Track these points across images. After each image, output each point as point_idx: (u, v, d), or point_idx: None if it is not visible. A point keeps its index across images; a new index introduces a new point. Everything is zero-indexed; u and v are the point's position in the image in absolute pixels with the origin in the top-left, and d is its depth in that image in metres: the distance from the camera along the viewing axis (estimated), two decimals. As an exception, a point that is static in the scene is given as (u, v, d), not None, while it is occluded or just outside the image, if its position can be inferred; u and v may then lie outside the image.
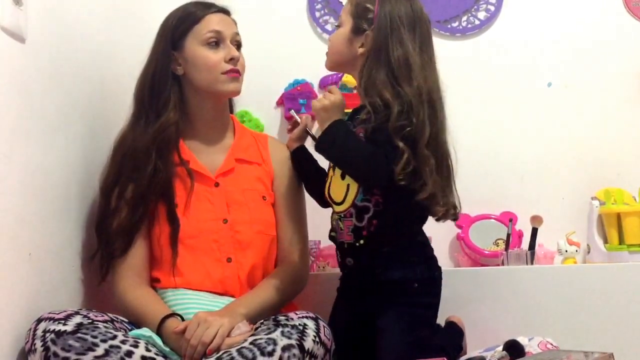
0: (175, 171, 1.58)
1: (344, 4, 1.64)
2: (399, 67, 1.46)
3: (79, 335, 1.27)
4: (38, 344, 1.26)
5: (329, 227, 1.63)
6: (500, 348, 1.55)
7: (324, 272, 2.01)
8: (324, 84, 2.28)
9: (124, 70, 1.78)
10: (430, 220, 1.56)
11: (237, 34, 1.64)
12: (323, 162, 1.64)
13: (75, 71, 1.61)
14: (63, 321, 1.29)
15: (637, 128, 2.26)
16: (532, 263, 1.97)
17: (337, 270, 1.65)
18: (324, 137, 1.50)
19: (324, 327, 1.38)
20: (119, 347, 1.28)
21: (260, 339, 1.28)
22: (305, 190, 1.73)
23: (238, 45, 1.63)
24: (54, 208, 1.48)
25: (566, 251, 2.06)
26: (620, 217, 2.13)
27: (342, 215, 1.55)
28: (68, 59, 1.58)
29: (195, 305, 1.48)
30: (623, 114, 2.27)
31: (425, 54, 1.50)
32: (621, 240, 2.13)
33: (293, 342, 1.28)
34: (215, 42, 1.58)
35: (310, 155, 1.70)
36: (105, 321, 1.35)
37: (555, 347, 1.60)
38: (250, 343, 1.28)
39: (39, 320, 1.30)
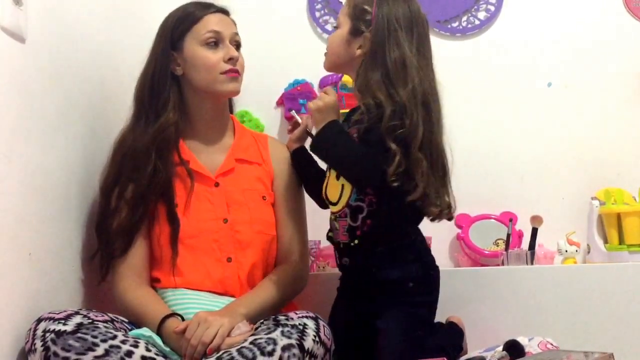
0: (175, 171, 1.58)
1: (343, 4, 1.64)
2: (395, 69, 1.46)
3: (79, 335, 1.27)
4: (38, 343, 1.26)
5: (329, 227, 1.63)
6: (500, 348, 1.55)
7: (324, 272, 2.01)
8: (324, 84, 2.28)
9: (124, 70, 1.78)
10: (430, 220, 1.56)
11: (236, 34, 1.64)
12: (323, 163, 1.64)
13: (75, 71, 1.61)
14: (63, 321, 1.29)
15: (637, 128, 2.26)
16: (532, 263, 1.97)
17: (337, 270, 1.66)
18: (317, 138, 1.52)
19: (323, 326, 1.38)
20: (119, 347, 1.28)
21: (260, 338, 1.28)
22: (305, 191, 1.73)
23: (237, 46, 1.63)
24: (54, 208, 1.48)
25: (566, 251, 2.06)
26: (620, 217, 2.13)
27: (338, 216, 1.56)
28: (68, 59, 1.58)
29: (195, 305, 1.48)
30: (623, 114, 2.27)
31: (422, 56, 1.51)
32: (621, 240, 2.13)
33: (293, 341, 1.28)
34: (215, 42, 1.59)
35: (310, 156, 1.70)
36: (105, 321, 1.35)
37: (555, 347, 1.60)
38: (251, 343, 1.28)
39: (39, 320, 1.30)
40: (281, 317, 1.37)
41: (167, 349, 1.38)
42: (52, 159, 1.48)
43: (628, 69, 2.26)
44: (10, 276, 1.29)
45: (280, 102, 2.31)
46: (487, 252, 2.15)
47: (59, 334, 1.26)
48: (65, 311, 1.33)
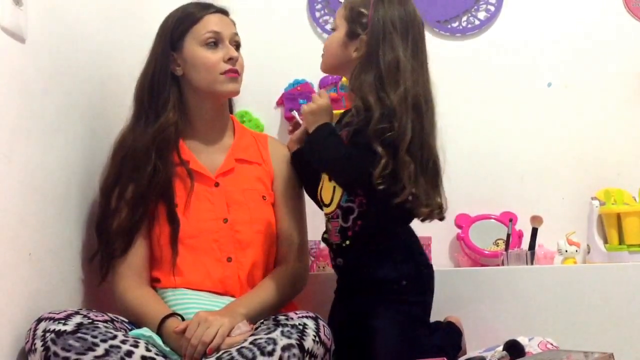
0: (175, 171, 1.58)
1: (340, 6, 1.64)
2: (388, 72, 1.47)
3: (79, 335, 1.27)
4: (38, 343, 1.26)
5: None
6: (501, 348, 1.55)
7: (324, 272, 2.01)
8: (324, 84, 2.28)
9: (124, 70, 1.78)
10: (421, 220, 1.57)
11: (236, 34, 1.64)
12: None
13: (75, 71, 1.61)
14: (63, 321, 1.29)
15: (637, 128, 2.26)
16: (532, 263, 1.97)
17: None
18: (309, 141, 1.55)
19: (323, 326, 1.38)
20: (119, 347, 1.28)
21: (260, 338, 1.28)
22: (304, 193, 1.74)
23: (237, 46, 1.64)
24: (54, 208, 1.48)
25: (566, 251, 2.06)
26: (620, 217, 2.14)
27: (331, 217, 1.59)
28: (68, 59, 1.58)
29: (196, 305, 1.49)
30: (623, 114, 2.27)
31: (416, 58, 1.52)
32: (621, 241, 2.13)
33: (293, 341, 1.28)
34: (214, 42, 1.59)
35: (311, 157, 1.71)
36: (105, 321, 1.35)
37: (555, 347, 1.60)
38: (250, 343, 1.28)
39: (39, 320, 1.30)
40: (281, 317, 1.37)
41: (167, 348, 1.38)
42: (52, 159, 1.48)
43: (628, 69, 2.27)
44: (10, 276, 1.29)
45: (280, 102, 2.31)
46: (487, 252, 2.15)
47: (59, 334, 1.26)
48: (65, 311, 1.33)
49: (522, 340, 1.57)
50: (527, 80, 2.29)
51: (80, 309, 1.39)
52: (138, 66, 1.63)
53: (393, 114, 1.44)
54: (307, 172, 1.70)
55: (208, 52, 1.58)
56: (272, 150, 1.71)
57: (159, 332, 1.41)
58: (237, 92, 1.63)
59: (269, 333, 1.29)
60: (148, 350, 1.32)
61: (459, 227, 2.20)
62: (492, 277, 1.89)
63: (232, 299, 1.52)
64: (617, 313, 1.82)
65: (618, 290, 1.83)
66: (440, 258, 2.20)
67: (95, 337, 1.27)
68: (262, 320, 1.42)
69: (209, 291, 1.53)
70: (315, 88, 2.28)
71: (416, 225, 1.58)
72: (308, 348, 1.29)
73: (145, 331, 1.40)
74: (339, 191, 1.55)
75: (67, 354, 1.25)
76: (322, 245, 2.03)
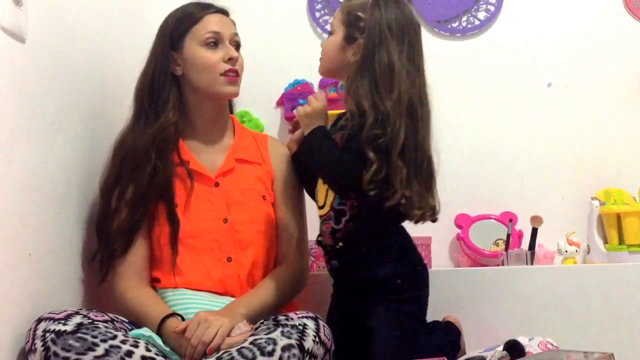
0: (175, 171, 1.58)
1: (337, 10, 1.64)
2: (383, 76, 1.48)
3: (79, 335, 1.27)
4: (38, 343, 1.26)
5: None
6: (501, 348, 1.55)
7: (324, 272, 1.99)
8: (324, 84, 2.28)
9: (124, 70, 1.78)
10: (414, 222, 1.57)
11: (236, 34, 1.64)
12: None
13: (75, 71, 1.61)
14: (63, 321, 1.29)
15: (637, 128, 2.26)
16: (532, 263, 1.97)
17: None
18: (303, 144, 1.56)
19: (323, 326, 1.38)
20: (119, 347, 1.28)
21: (260, 338, 1.28)
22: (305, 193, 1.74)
23: (237, 46, 1.63)
24: (54, 208, 1.48)
25: (566, 251, 2.06)
26: (620, 217, 2.14)
27: (325, 219, 1.60)
28: (68, 59, 1.58)
29: (196, 305, 1.49)
30: (623, 114, 2.27)
31: (412, 62, 1.52)
32: (621, 241, 2.13)
33: (293, 342, 1.28)
34: (214, 42, 1.59)
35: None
36: (105, 321, 1.35)
37: (555, 347, 1.60)
38: (250, 343, 1.28)
39: (39, 320, 1.30)
40: (281, 317, 1.37)
41: (167, 348, 1.38)
42: (52, 159, 1.48)
43: (628, 69, 2.27)
44: (10, 276, 1.29)
45: (280, 102, 2.31)
46: (487, 252, 2.15)
47: (59, 334, 1.26)
48: (65, 311, 1.33)
49: (522, 340, 1.58)
50: (527, 80, 2.29)
51: (80, 309, 1.38)
52: (138, 66, 1.63)
53: (387, 120, 1.45)
54: (307, 172, 1.70)
55: (208, 52, 1.58)
56: (272, 150, 1.71)
57: (159, 332, 1.41)
58: (236, 94, 1.62)
59: (269, 333, 1.29)
60: (148, 350, 1.32)
61: (459, 227, 2.20)
62: (492, 277, 1.89)
63: (232, 299, 1.52)
64: (617, 313, 1.82)
65: (618, 290, 1.83)
66: (440, 258, 2.20)
67: (95, 337, 1.27)
68: (262, 321, 1.42)
69: (209, 291, 1.53)
70: (315, 88, 2.29)
71: (416, 225, 1.58)
72: (308, 348, 1.29)
73: (145, 331, 1.40)
74: (331, 194, 1.57)
75: (67, 354, 1.25)
76: (322, 245, 2.04)
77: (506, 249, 2.04)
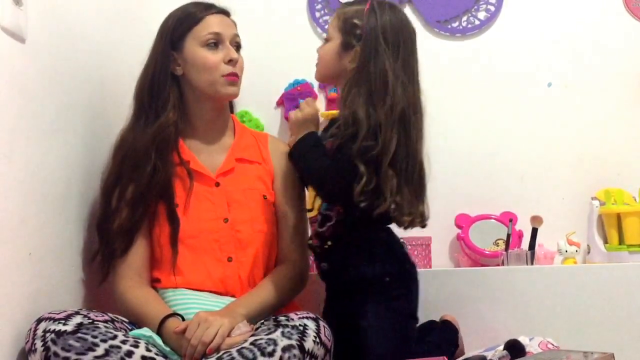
0: (175, 171, 1.58)
1: (332, 17, 1.64)
2: (376, 85, 1.49)
3: (79, 335, 1.27)
4: (38, 343, 1.26)
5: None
6: (501, 348, 1.55)
7: (324, 272, 2.01)
8: (324, 84, 2.28)
9: (124, 70, 1.78)
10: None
11: (237, 35, 1.64)
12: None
13: (75, 71, 1.61)
14: (63, 321, 1.29)
15: (637, 128, 2.26)
16: (532, 263, 1.97)
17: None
18: (293, 150, 1.58)
19: (324, 327, 1.37)
20: (119, 347, 1.27)
21: (261, 339, 1.28)
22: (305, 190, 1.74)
23: (237, 47, 1.63)
24: (54, 208, 1.48)
25: (566, 251, 2.06)
26: (620, 217, 2.14)
27: (312, 221, 1.63)
28: (68, 59, 1.58)
29: (196, 305, 1.48)
30: (623, 114, 2.27)
31: (407, 68, 1.53)
32: (621, 241, 2.13)
33: (293, 342, 1.28)
34: (215, 43, 1.59)
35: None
36: (105, 321, 1.35)
37: (555, 347, 1.60)
38: (251, 343, 1.28)
39: (39, 320, 1.30)
40: (281, 318, 1.37)
41: (168, 349, 1.38)
42: (52, 159, 1.48)
43: (628, 69, 2.27)
44: (10, 276, 1.29)
45: (280, 102, 2.31)
46: (487, 252, 2.15)
47: (59, 334, 1.26)
48: (65, 311, 1.33)
49: (523, 340, 1.58)
50: (527, 80, 2.29)
51: (81, 309, 1.38)
52: (138, 66, 1.63)
53: (379, 129, 1.45)
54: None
55: (208, 53, 1.58)
56: (272, 148, 1.71)
57: (159, 332, 1.40)
58: (236, 95, 1.62)
59: (269, 334, 1.29)
60: (148, 350, 1.32)
61: (459, 227, 2.20)
62: (492, 277, 1.89)
63: (233, 299, 1.52)
64: (617, 313, 1.82)
65: (618, 290, 1.83)
66: (440, 258, 2.20)
67: (95, 337, 1.27)
68: (262, 321, 1.42)
69: (210, 291, 1.53)
70: (316, 88, 2.29)
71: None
72: (308, 349, 1.29)
73: (145, 331, 1.40)
74: (319, 198, 1.59)
75: (67, 354, 1.25)
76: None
77: (506, 249, 2.04)
